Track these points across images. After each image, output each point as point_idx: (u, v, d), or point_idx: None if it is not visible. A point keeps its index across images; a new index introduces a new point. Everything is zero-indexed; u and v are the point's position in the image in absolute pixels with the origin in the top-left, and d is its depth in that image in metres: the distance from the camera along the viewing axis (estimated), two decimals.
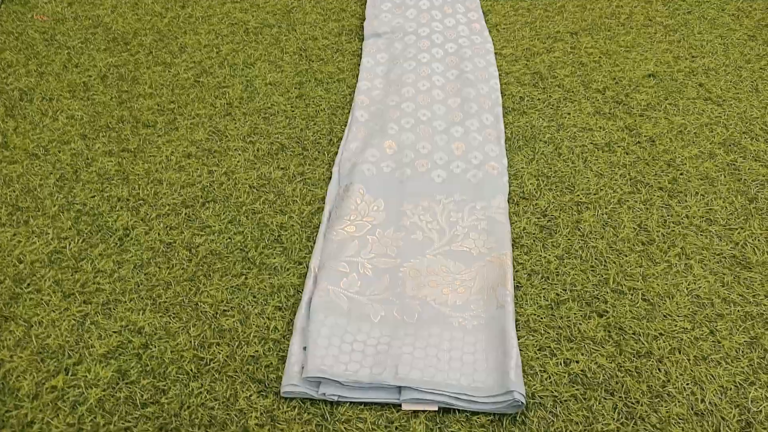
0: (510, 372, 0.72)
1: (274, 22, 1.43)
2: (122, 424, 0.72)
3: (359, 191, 0.97)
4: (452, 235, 0.91)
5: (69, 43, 1.36)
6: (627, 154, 1.08)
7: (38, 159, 1.07)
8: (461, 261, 0.88)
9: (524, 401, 0.71)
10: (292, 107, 1.19)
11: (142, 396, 0.74)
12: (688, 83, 1.24)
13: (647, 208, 0.99)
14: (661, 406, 0.74)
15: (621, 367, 0.78)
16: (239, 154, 1.08)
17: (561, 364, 0.78)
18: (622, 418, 0.73)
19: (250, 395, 0.75)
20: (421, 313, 0.81)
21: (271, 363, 0.78)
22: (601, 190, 1.02)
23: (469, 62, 1.24)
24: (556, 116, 1.16)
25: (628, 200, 1.00)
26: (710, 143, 1.10)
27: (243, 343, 0.80)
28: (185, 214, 0.98)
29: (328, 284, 0.83)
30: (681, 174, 1.04)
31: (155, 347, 0.79)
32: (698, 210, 0.98)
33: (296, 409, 0.74)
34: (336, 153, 1.08)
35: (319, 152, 1.09)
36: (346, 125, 1.13)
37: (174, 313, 0.83)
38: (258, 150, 1.09)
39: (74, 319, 0.82)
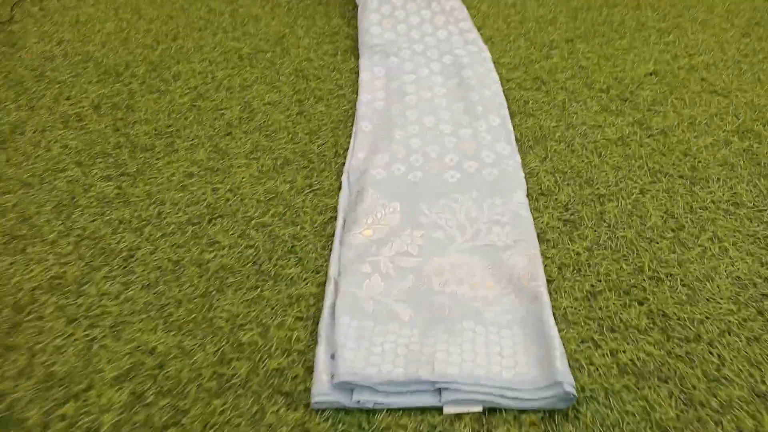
0: (555, 362, 0.67)
1: (267, 47, 1.42)
2: None
3: (372, 195, 0.93)
4: (474, 231, 0.87)
5: (59, 78, 1.33)
6: (641, 146, 1.06)
7: (33, 188, 1.02)
8: (486, 256, 0.83)
9: (575, 393, 0.66)
10: (293, 123, 1.16)
11: (161, 418, 0.68)
12: (691, 78, 1.24)
13: (671, 196, 0.96)
14: (720, 390, 0.69)
15: (671, 353, 0.73)
16: (243, 171, 1.04)
17: (607, 355, 0.73)
18: (680, 405, 0.68)
19: (278, 409, 0.69)
20: (452, 308, 0.76)
21: (298, 375, 0.72)
22: (621, 182, 0.99)
23: (469, 69, 1.23)
24: (563, 116, 1.14)
25: (650, 190, 0.97)
26: (723, 132, 1.09)
27: (265, 356, 0.74)
28: (192, 231, 0.93)
29: (351, 288, 0.78)
30: (699, 162, 1.02)
31: (171, 367, 0.73)
32: (723, 195, 0.96)
33: (329, 420, 0.67)
34: (343, 163, 1.04)
35: (325, 164, 1.05)
36: (350, 137, 1.10)
37: (188, 331, 0.78)
38: (262, 166, 1.05)
39: (80, 344, 0.76)
